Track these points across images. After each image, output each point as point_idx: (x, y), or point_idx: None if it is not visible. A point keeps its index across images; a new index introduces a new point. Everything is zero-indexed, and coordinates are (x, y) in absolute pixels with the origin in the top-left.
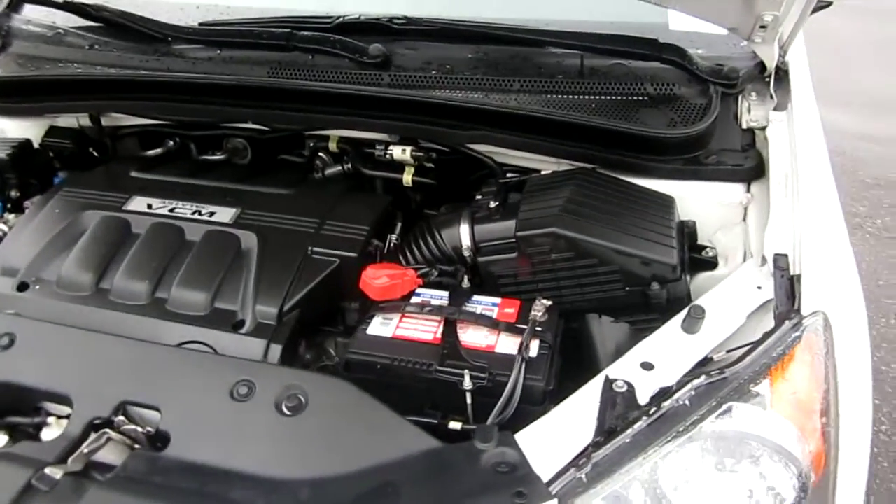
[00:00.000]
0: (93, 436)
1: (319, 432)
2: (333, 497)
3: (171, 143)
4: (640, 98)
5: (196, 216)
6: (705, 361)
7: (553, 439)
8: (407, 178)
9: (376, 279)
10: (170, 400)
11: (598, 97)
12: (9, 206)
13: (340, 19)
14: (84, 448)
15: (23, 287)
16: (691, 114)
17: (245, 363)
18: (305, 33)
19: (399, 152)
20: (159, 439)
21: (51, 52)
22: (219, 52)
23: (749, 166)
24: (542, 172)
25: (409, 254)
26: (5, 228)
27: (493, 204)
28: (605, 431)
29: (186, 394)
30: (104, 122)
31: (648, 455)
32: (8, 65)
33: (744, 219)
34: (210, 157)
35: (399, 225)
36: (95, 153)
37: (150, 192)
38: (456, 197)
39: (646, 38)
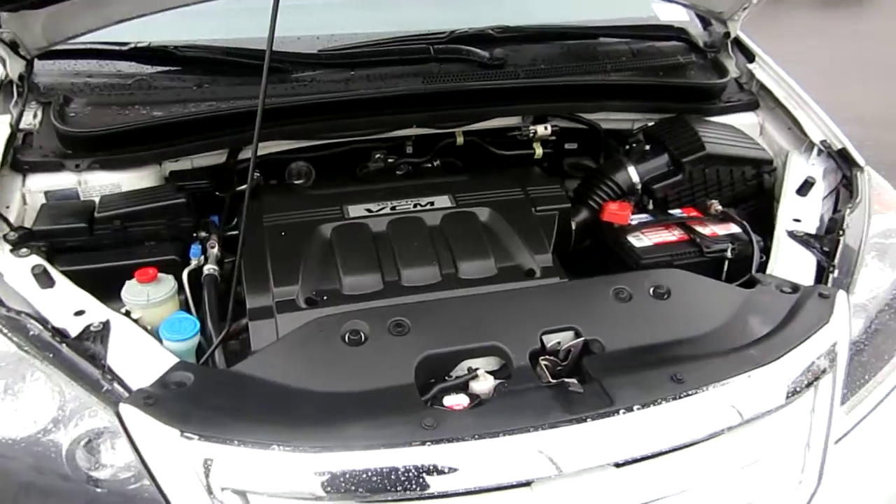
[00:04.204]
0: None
1: (691, 303)
2: (725, 333)
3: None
4: (677, 65)
5: (419, 208)
6: None
7: (788, 269)
8: (539, 151)
9: (620, 210)
10: (576, 319)
11: (652, 69)
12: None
13: (453, 33)
14: (543, 371)
15: (311, 302)
16: (711, 71)
17: (610, 278)
18: (440, 46)
19: (542, 129)
20: (590, 348)
21: (145, 97)
22: (352, 72)
23: (755, 99)
24: (648, 124)
25: (594, 196)
26: (216, 267)
27: (647, 147)
28: (823, 252)
29: (583, 311)
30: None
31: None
32: (95, 116)
33: (760, 133)
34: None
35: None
36: (217, 192)
37: (350, 201)
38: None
39: (665, 25)
